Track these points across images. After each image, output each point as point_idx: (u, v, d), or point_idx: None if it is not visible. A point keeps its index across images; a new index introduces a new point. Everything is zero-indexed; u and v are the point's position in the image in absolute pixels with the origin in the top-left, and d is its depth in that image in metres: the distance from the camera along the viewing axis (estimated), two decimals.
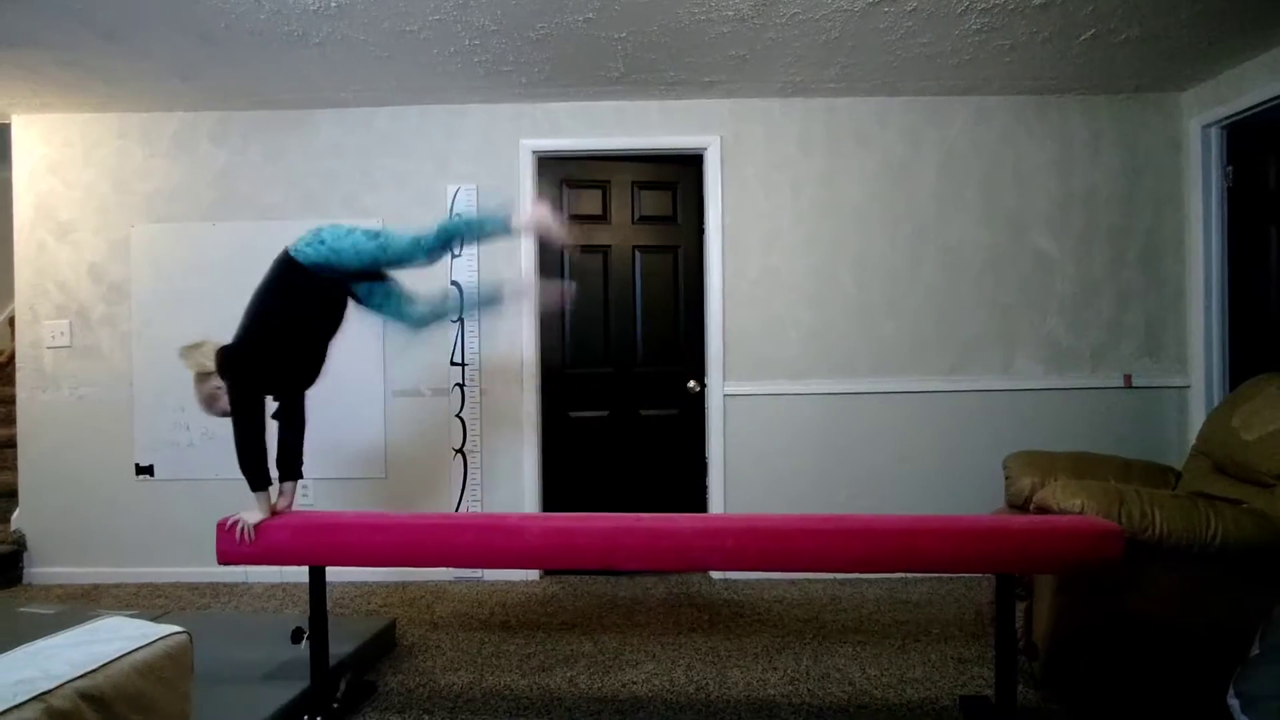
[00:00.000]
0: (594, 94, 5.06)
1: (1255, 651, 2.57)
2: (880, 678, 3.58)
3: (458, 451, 5.16)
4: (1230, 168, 4.92)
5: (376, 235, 3.20)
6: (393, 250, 3.20)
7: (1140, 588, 3.01)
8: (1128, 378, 5.15)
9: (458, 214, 3.16)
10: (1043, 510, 3.20)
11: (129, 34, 4.11)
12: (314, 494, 5.11)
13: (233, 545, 3.09)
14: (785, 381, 5.18)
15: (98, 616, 2.34)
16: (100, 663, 1.53)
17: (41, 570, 5.28)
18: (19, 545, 5.27)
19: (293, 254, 3.18)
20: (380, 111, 5.19)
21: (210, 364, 3.17)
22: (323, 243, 3.16)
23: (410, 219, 5.13)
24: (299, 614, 4.11)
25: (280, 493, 3.38)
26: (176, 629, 1.76)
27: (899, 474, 5.18)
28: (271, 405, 3.34)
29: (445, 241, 3.25)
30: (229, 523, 3.12)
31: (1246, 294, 4.86)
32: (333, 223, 3.27)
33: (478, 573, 5.16)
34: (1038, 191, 5.17)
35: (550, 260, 5.29)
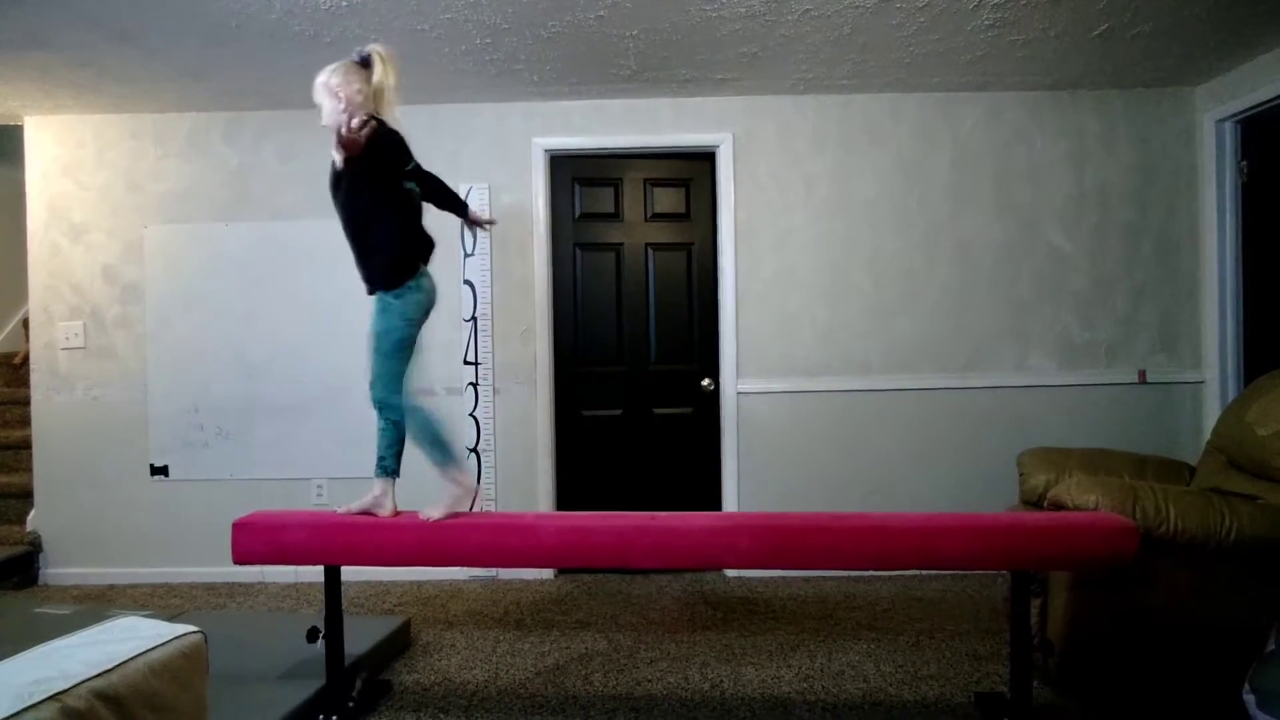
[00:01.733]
0: (606, 92, 5.06)
1: (1270, 647, 2.56)
2: (894, 675, 3.57)
3: (471, 451, 5.17)
4: (1244, 162, 4.90)
5: (400, 348, 3.19)
6: (373, 351, 3.19)
7: (1155, 584, 3.00)
8: (1142, 374, 5.13)
9: (425, 426, 3.17)
10: (1057, 507, 3.18)
11: (141, 35, 4.12)
12: (328, 493, 5.11)
13: (249, 544, 3.09)
14: (799, 379, 5.17)
15: (113, 616, 2.35)
16: (116, 662, 1.54)
17: (57, 571, 5.31)
18: (34, 546, 5.30)
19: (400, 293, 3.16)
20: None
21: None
22: (398, 296, 3.15)
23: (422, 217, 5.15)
24: (314, 613, 4.12)
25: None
26: (192, 629, 1.77)
27: (913, 471, 5.16)
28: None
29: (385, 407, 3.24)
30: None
31: (1261, 289, 4.83)
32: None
33: (492, 571, 5.17)
34: (1051, 187, 5.15)
35: (563, 259, 5.30)
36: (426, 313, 3.25)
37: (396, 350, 3.15)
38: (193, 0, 3.76)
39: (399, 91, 3.17)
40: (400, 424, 3.34)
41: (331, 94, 3.07)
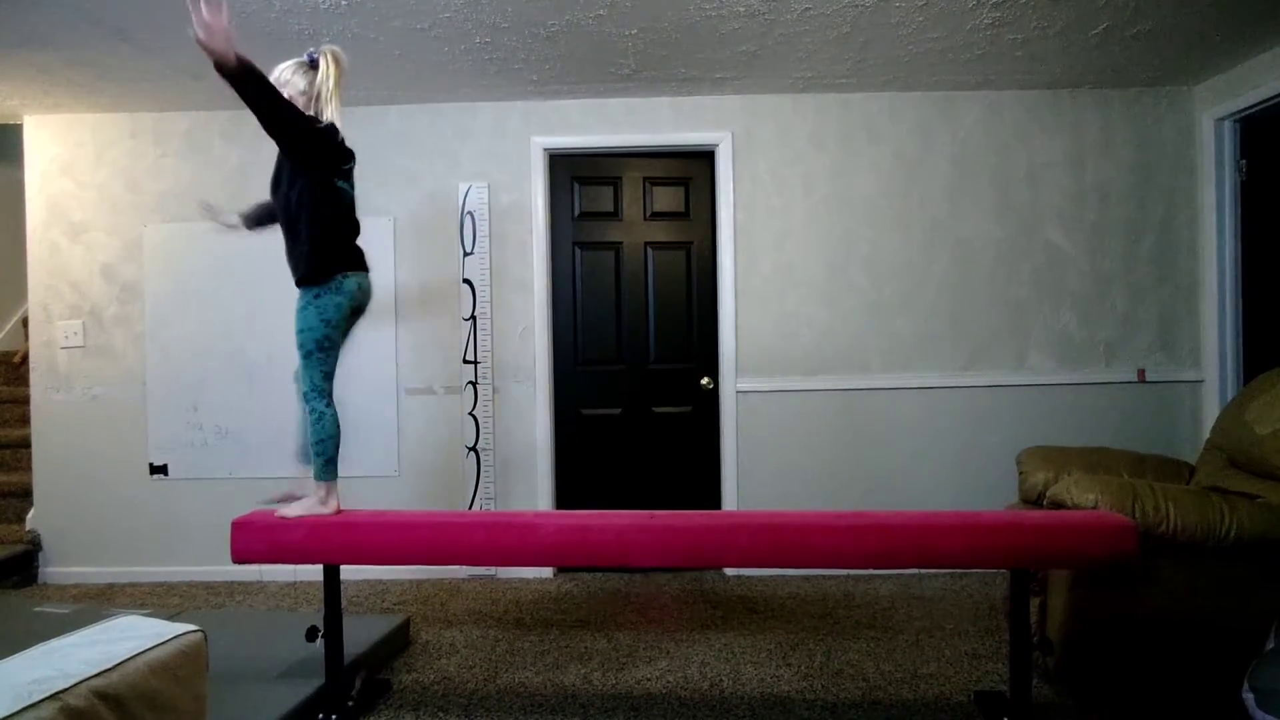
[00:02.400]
0: (605, 91, 5.06)
1: (1270, 646, 2.56)
2: (894, 673, 3.57)
3: (471, 449, 5.17)
4: (1244, 161, 4.90)
5: (318, 348, 3.19)
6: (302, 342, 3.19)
7: (1154, 582, 3.00)
8: (1141, 372, 5.13)
9: (325, 437, 3.16)
10: (1057, 505, 3.19)
11: (140, 33, 4.12)
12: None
13: (248, 544, 3.10)
14: (798, 378, 5.17)
15: (112, 615, 2.34)
16: (115, 661, 1.54)
17: (56, 570, 5.31)
18: (34, 545, 5.30)
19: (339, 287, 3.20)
20: (391, 110, 5.20)
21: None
22: (317, 296, 3.18)
23: (421, 217, 5.16)
24: (313, 612, 4.12)
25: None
26: (191, 628, 1.77)
27: (912, 470, 5.16)
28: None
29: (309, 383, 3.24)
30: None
31: (1260, 287, 4.83)
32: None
33: (491, 570, 5.17)
34: (1050, 186, 5.15)
35: (562, 257, 5.30)
36: (352, 314, 3.30)
37: (315, 349, 3.17)
38: None
39: (340, 92, 3.19)
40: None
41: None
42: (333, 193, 3.20)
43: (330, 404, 3.23)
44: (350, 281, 3.20)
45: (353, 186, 3.34)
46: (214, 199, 5.19)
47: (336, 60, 3.17)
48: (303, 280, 3.19)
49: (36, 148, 5.30)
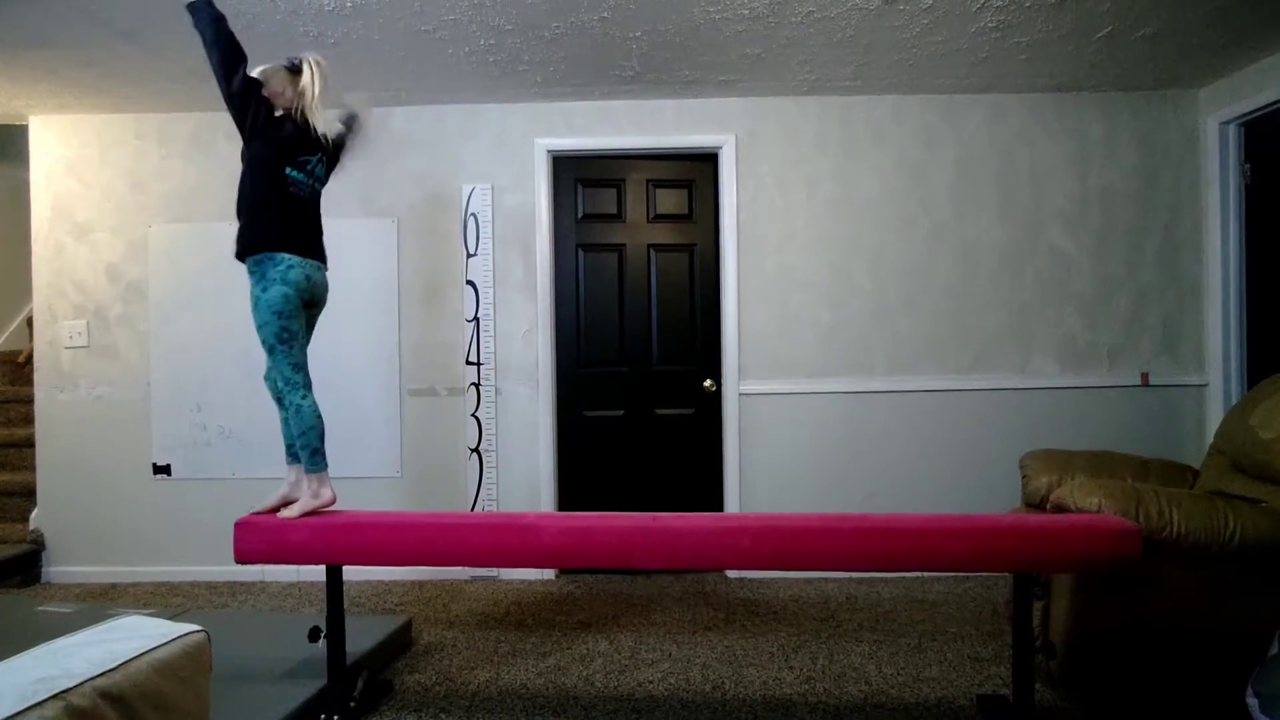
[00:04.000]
0: (609, 93, 5.06)
1: (1274, 651, 2.55)
2: (896, 677, 3.57)
3: (473, 451, 5.17)
4: (1248, 165, 4.89)
5: (278, 339, 3.21)
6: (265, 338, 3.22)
7: (1158, 587, 2.99)
8: (1145, 376, 5.13)
9: (308, 428, 3.18)
10: (1060, 509, 3.18)
11: (145, 34, 4.13)
12: None
13: (251, 544, 3.10)
14: (801, 380, 5.17)
15: (116, 615, 2.35)
16: (119, 661, 1.54)
17: (60, 569, 5.31)
18: (37, 544, 5.30)
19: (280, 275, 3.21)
20: (395, 111, 5.20)
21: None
22: (264, 290, 3.21)
23: (425, 218, 5.16)
24: (316, 613, 4.12)
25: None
26: (195, 627, 1.77)
27: (915, 473, 5.16)
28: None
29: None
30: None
31: (1265, 291, 4.83)
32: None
33: (493, 571, 5.17)
34: (1054, 189, 5.15)
35: (565, 259, 5.30)
36: (308, 306, 3.32)
37: (276, 343, 3.20)
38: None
39: (323, 98, 3.32)
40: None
41: None
42: (274, 174, 3.24)
43: (306, 395, 3.24)
44: (296, 272, 3.22)
45: (314, 180, 3.39)
46: (217, 199, 5.23)
47: (320, 68, 3.28)
48: (238, 254, 3.27)
49: (42, 148, 5.31)
